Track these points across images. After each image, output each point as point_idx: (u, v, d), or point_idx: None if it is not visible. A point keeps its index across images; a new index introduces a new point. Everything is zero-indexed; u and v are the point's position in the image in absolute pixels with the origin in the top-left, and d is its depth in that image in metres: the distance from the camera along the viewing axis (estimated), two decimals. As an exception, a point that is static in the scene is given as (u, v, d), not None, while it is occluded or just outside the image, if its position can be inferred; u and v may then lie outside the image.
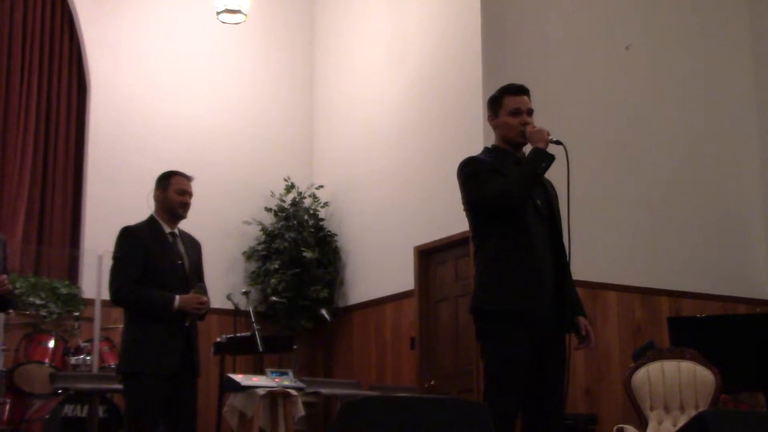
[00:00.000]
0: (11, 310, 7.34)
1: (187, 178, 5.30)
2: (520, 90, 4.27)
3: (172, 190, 5.21)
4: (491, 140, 4.38)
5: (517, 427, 4.10)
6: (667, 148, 8.51)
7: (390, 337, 8.79)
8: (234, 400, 6.49)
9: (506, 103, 4.24)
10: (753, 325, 6.72)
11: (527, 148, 4.23)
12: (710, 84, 8.89)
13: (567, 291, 4.14)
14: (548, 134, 4.12)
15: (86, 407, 6.78)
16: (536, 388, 4.07)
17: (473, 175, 4.16)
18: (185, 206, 5.23)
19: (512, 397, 4.01)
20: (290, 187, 9.68)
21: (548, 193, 4.25)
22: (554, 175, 4.26)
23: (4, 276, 4.85)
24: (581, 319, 4.20)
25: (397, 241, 8.68)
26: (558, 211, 4.25)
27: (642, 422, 6.05)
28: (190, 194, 5.26)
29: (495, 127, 4.30)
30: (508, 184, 4.05)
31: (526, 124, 4.19)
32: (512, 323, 4.01)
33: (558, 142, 4.12)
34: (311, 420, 8.06)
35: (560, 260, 4.15)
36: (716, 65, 8.97)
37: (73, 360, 7.47)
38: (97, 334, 7.57)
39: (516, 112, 4.21)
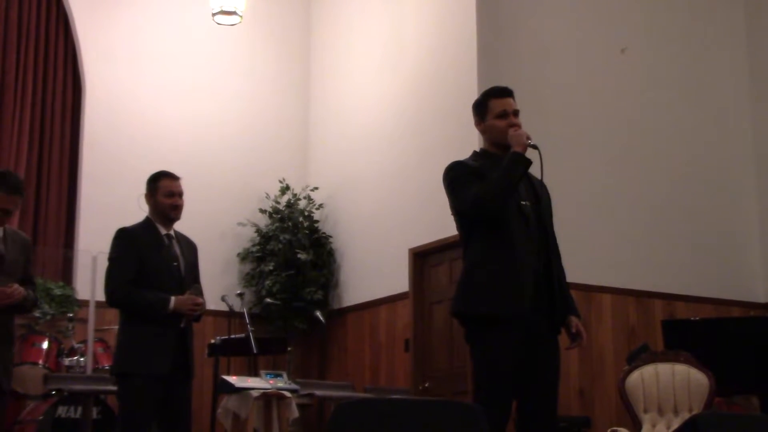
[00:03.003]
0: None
1: (174, 179, 5.25)
2: (504, 92, 4.27)
3: (161, 194, 5.19)
4: (484, 144, 4.39)
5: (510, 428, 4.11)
6: (662, 151, 8.52)
7: (384, 339, 8.79)
8: (228, 402, 6.48)
9: (492, 106, 4.24)
10: (747, 329, 6.73)
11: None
12: (706, 88, 8.90)
13: (556, 292, 4.13)
14: (528, 138, 4.11)
15: (80, 408, 6.78)
16: (529, 388, 4.08)
17: (456, 180, 4.17)
18: (176, 208, 5.21)
19: (501, 399, 4.02)
20: (285, 189, 9.68)
21: (538, 196, 4.24)
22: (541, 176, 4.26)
23: (14, 286, 4.81)
24: (573, 319, 4.20)
25: (392, 243, 8.69)
26: (548, 213, 4.25)
27: (636, 425, 6.06)
28: (179, 195, 5.23)
29: (482, 131, 4.30)
30: (484, 190, 4.03)
31: (513, 125, 4.18)
32: (494, 326, 4.02)
33: (534, 146, 4.10)
34: (305, 422, 8.06)
35: (550, 263, 4.15)
36: (712, 69, 8.98)
37: (66, 361, 7.47)
38: (91, 335, 7.56)
39: (503, 115, 4.20)
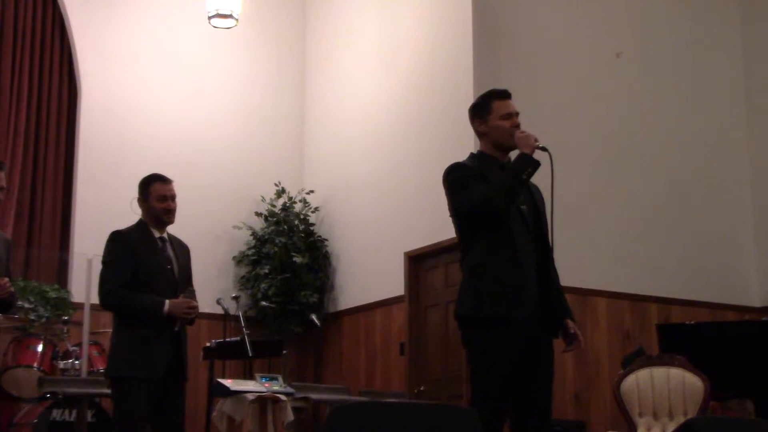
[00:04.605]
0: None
1: (166, 182, 5.22)
2: (506, 94, 4.31)
3: (153, 198, 5.16)
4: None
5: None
6: (657, 155, 8.53)
7: (379, 342, 8.79)
8: (223, 405, 6.47)
9: (495, 107, 4.26)
10: (742, 333, 6.75)
11: (514, 154, 4.24)
12: (701, 92, 8.92)
13: (553, 296, 4.15)
14: (535, 140, 4.14)
15: (75, 412, 6.77)
16: (524, 391, 4.08)
17: (457, 181, 4.17)
18: (169, 212, 5.19)
19: (499, 402, 4.03)
20: (281, 192, 9.67)
21: (534, 199, 4.27)
22: (540, 181, 4.27)
23: (5, 279, 4.82)
24: (569, 322, 4.22)
25: (388, 246, 8.68)
26: (545, 217, 4.27)
27: (631, 429, 6.06)
28: (172, 198, 5.20)
29: (483, 133, 4.31)
30: (491, 190, 4.06)
31: (517, 126, 4.21)
32: (496, 329, 4.02)
33: (544, 149, 4.13)
34: (300, 425, 8.05)
35: (546, 266, 4.16)
36: (707, 73, 8.99)
37: (61, 364, 7.45)
38: (86, 338, 7.54)
39: (507, 116, 4.23)
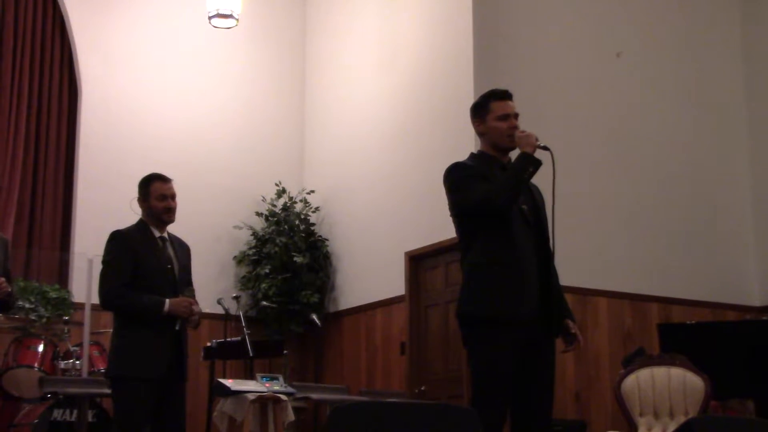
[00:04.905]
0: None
1: (166, 181, 5.22)
2: (506, 95, 4.31)
3: (153, 198, 5.16)
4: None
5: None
6: (657, 154, 8.53)
7: (380, 342, 8.79)
8: (224, 405, 6.48)
9: (493, 108, 4.26)
10: (742, 332, 6.75)
11: (514, 154, 4.25)
12: (701, 92, 8.92)
13: (554, 295, 4.15)
14: (536, 139, 4.14)
15: (75, 412, 6.76)
16: (524, 391, 4.09)
17: (458, 181, 4.18)
18: (169, 211, 5.19)
19: (499, 402, 4.03)
20: (281, 192, 9.68)
21: (535, 199, 4.27)
22: (541, 181, 4.27)
23: (2, 279, 4.81)
24: (569, 322, 4.22)
25: (388, 246, 8.69)
26: (545, 217, 4.27)
27: (631, 428, 6.07)
28: (172, 197, 5.20)
29: (482, 133, 4.32)
30: (493, 189, 4.07)
31: (515, 128, 4.21)
32: (497, 328, 4.03)
33: (545, 148, 4.14)
34: (301, 425, 8.06)
35: (547, 265, 4.17)
36: (707, 73, 9.00)
37: (62, 364, 7.45)
38: (86, 338, 7.54)
39: (504, 117, 4.24)
